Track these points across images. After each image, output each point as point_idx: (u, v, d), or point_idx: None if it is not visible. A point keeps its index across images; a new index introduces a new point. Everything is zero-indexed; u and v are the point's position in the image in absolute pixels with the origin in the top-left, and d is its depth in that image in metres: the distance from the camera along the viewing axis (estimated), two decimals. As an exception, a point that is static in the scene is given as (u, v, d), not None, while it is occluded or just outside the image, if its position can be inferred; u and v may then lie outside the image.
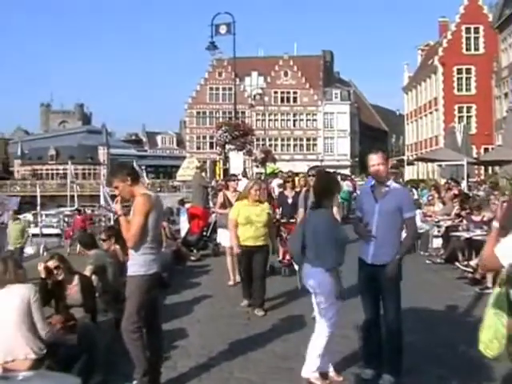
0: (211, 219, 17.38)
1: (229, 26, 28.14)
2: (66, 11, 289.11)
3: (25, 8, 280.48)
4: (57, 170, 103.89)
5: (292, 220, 12.67)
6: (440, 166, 30.41)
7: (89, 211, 46.04)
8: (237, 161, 28.54)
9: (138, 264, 5.91)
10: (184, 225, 17.99)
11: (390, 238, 6.16)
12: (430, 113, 65.23)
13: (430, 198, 18.73)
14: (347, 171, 66.88)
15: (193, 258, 15.95)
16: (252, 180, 11.48)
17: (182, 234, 17.51)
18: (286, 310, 9.84)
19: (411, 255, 12.64)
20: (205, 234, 17.36)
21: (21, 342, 5.29)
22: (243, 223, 9.63)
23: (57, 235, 35.38)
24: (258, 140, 53.01)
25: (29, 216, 53.17)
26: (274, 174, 30.16)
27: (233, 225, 9.78)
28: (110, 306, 7.72)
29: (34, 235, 40.54)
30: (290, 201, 13.29)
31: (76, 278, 7.09)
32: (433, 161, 32.27)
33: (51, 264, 6.96)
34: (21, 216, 50.95)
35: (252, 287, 9.88)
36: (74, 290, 7.02)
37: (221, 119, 66.88)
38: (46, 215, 47.19)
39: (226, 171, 31.84)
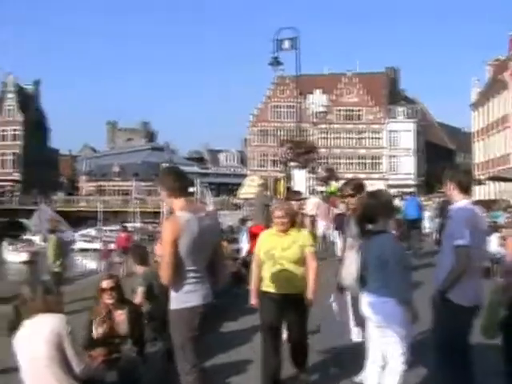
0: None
1: (292, 41, 27.53)
2: (128, 30, 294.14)
3: (95, 29, 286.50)
4: (120, 186, 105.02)
5: None
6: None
7: (150, 227, 45.81)
8: (300, 179, 27.81)
9: (175, 297, 5.20)
10: (244, 245, 17.34)
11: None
12: (500, 130, 63.05)
13: (509, 219, 17.58)
14: (412, 190, 65.33)
15: (253, 279, 15.24)
16: (277, 202, 9.26)
17: (243, 254, 16.86)
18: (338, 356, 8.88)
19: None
20: (266, 254, 16.58)
21: (50, 380, 4.61)
22: (265, 260, 6.65)
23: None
24: (320, 158, 52.31)
25: (92, 231, 53.82)
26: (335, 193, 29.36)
27: (256, 264, 6.80)
28: (160, 334, 6.96)
29: (96, 250, 40.70)
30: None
31: (125, 306, 6.55)
32: (509, 180, 30.78)
33: (106, 284, 6.46)
34: (84, 231, 51.48)
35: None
36: (121, 319, 6.44)
37: (283, 137, 66.40)
38: (110, 230, 47.62)
39: (288, 189, 31.24)
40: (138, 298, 7.45)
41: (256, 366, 7.35)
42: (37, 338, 4.63)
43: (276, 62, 27.36)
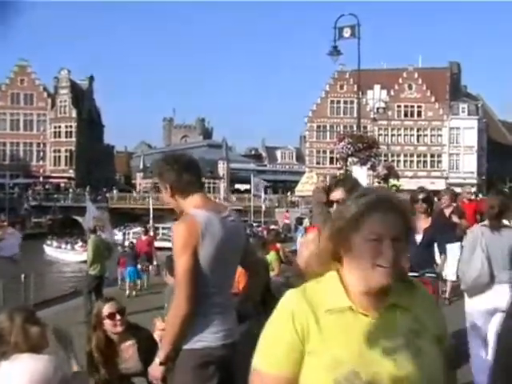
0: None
1: (353, 29, 25.95)
2: (179, 23, 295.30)
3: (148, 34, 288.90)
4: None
5: (429, 275, 6.91)
6: None
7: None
8: (360, 175, 26.25)
9: (190, 333, 3.65)
10: (301, 246, 16.05)
11: None
12: None
13: None
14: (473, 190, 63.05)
15: (310, 285, 13.88)
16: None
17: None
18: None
19: None
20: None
21: None
22: None
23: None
24: (380, 155, 50.62)
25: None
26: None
27: None
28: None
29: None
30: (419, 238, 7.08)
31: (134, 336, 4.92)
32: None
33: (111, 308, 4.85)
34: (135, 229, 50.64)
35: None
36: (130, 352, 4.88)
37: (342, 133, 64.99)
38: (163, 228, 46.73)
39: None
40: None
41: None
42: None
43: (336, 52, 25.79)
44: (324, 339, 1.93)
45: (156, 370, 3.65)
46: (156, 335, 4.95)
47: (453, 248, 9.20)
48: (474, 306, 6.22)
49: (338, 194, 4.17)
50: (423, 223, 7.31)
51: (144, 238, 21.38)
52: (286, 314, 1.98)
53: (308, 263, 3.89)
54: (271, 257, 12.06)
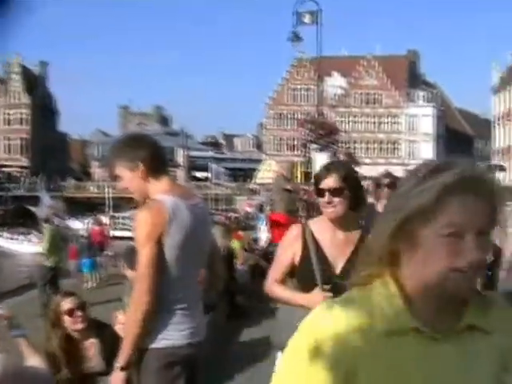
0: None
1: (313, 15, 25.61)
2: (138, 9, 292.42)
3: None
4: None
5: None
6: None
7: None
8: (321, 162, 26.01)
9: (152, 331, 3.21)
10: (263, 234, 15.66)
11: None
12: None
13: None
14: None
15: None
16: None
17: (262, 244, 15.20)
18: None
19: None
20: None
21: None
22: None
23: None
24: (340, 142, 50.75)
25: (104, 218, 52.32)
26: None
27: None
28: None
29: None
30: None
31: (96, 333, 4.46)
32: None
33: (71, 304, 4.38)
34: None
35: None
36: (93, 350, 4.43)
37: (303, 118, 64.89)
38: (122, 217, 46.17)
39: (307, 174, 29.50)
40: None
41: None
42: None
43: (296, 38, 25.47)
44: (379, 376, 1.34)
45: (116, 378, 3.20)
46: (117, 329, 4.51)
47: None
48: None
49: (330, 182, 3.63)
50: None
51: (97, 227, 20.50)
52: (316, 352, 1.33)
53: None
54: (235, 245, 11.74)
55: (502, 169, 61.05)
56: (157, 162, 3.37)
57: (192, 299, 3.36)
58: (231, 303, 9.39)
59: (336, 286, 3.22)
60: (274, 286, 3.69)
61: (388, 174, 7.18)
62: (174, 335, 3.22)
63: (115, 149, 3.55)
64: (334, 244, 3.57)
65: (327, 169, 3.67)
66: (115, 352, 3.60)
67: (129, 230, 38.88)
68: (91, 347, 4.43)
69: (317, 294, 3.39)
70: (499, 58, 76.94)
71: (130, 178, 3.35)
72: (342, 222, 3.58)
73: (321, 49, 27.97)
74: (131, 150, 3.36)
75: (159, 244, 3.11)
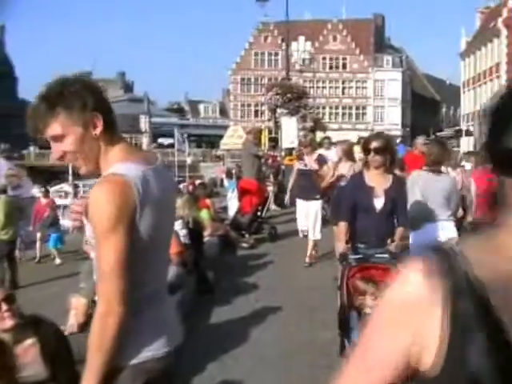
0: (267, 195, 14.34)
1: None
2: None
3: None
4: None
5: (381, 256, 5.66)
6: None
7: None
8: (290, 128, 25.20)
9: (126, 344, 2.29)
10: (233, 202, 14.87)
11: None
12: (491, 80, 61.24)
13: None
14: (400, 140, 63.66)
15: (245, 244, 12.73)
16: None
17: (231, 213, 14.42)
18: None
19: None
20: (259, 213, 14.00)
21: None
22: None
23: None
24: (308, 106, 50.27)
25: (66, 187, 51.01)
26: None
27: None
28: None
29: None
30: (378, 204, 5.95)
31: (31, 333, 3.52)
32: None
33: None
34: (57, 187, 48.68)
35: None
36: (30, 355, 3.47)
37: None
38: (84, 185, 45.07)
39: (274, 140, 28.74)
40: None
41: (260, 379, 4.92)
42: None
43: (263, -2, 24.62)
44: None
45: None
46: (71, 315, 3.69)
47: None
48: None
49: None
50: (381, 183, 5.91)
51: (44, 200, 16.79)
52: None
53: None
54: (204, 215, 10.97)
55: (469, 133, 61.30)
56: (113, 116, 2.47)
57: (163, 292, 2.54)
58: (200, 279, 8.63)
59: None
60: None
61: (378, 135, 6.57)
62: (152, 345, 2.39)
63: (52, 94, 2.43)
64: None
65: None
66: (61, 353, 2.78)
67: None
68: (28, 351, 3.50)
69: None
70: (468, 22, 77.17)
71: (79, 136, 2.39)
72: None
73: (287, 12, 27.17)
74: (80, 98, 2.38)
75: (130, 232, 2.25)
